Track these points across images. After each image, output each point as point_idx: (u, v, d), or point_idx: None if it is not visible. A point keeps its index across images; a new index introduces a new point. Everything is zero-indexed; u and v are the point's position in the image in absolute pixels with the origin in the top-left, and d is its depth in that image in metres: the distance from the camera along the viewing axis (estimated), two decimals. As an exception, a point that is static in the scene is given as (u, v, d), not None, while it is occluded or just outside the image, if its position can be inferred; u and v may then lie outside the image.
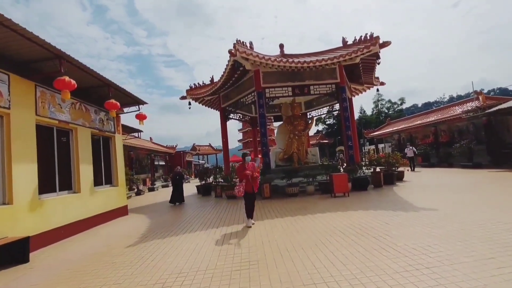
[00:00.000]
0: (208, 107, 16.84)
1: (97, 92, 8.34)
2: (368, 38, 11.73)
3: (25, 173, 5.66)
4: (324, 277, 3.18)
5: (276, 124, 20.91)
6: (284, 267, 3.57)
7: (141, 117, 9.08)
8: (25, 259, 4.92)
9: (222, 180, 13.95)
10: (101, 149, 8.81)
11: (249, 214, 6.22)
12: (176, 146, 32.66)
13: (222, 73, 12.11)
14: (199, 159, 47.80)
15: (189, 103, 15.22)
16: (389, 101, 55.21)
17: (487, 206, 5.97)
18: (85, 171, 7.57)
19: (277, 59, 11.37)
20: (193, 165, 40.65)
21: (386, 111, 54.27)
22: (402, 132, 25.70)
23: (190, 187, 17.12)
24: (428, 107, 68.27)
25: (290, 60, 11.44)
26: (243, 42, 11.32)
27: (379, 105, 55.31)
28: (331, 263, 3.56)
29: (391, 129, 28.13)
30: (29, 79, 6.13)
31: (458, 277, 2.85)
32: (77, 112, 7.54)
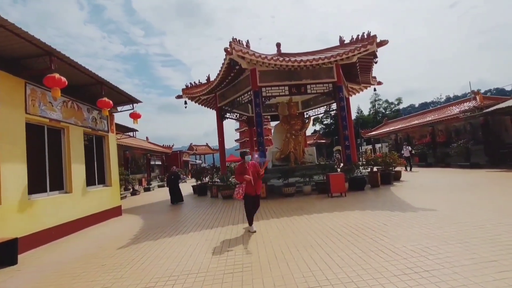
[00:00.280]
0: (205, 106, 16.69)
1: (90, 90, 8.18)
2: (365, 37, 11.64)
3: (14, 172, 5.49)
4: (320, 281, 3.06)
5: (273, 123, 20.79)
6: (279, 270, 3.45)
7: (135, 116, 8.92)
8: (13, 261, 4.77)
9: (218, 180, 13.84)
10: (94, 148, 8.64)
11: (252, 221, 5.57)
12: (172, 146, 32.47)
13: (218, 72, 11.97)
14: (196, 159, 47.58)
15: (185, 102, 15.05)
16: (386, 101, 55.32)
17: (486, 206, 5.89)
18: (77, 170, 7.40)
19: (274, 58, 11.26)
20: (190, 165, 40.43)
21: (383, 111, 54.36)
22: (399, 132, 25.70)
23: (186, 187, 16.95)
24: (424, 107, 68.57)
25: (287, 59, 11.32)
26: (239, 40, 11.19)
27: (376, 105, 55.39)
28: (327, 266, 3.44)
29: (388, 129, 28.13)
30: (18, 76, 5.96)
31: (458, 281, 2.74)
32: (69, 110, 7.36)
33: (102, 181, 8.91)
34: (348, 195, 9.04)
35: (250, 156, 5.85)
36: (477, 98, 17.61)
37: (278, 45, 15.17)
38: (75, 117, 7.55)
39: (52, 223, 6.36)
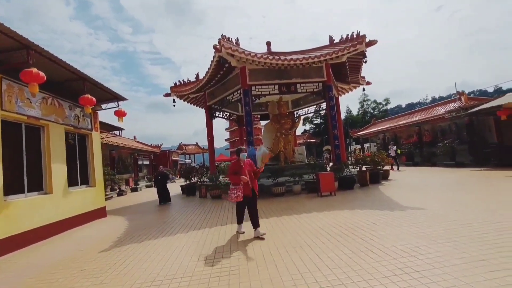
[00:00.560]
0: (194, 105, 16.43)
1: (72, 86, 7.84)
2: (355, 36, 11.69)
3: (-14, 173, 5.17)
4: (309, 283, 2.96)
5: (263, 122, 20.72)
6: (267, 273, 3.33)
7: (120, 114, 8.61)
8: (-14, 267, 4.48)
9: (207, 180, 13.63)
10: (77, 147, 8.29)
11: (242, 220, 5.27)
12: (161, 145, 31.95)
13: (207, 70, 11.75)
14: (185, 159, 47.01)
15: (174, 101, 14.76)
16: (375, 101, 56.32)
17: (472, 205, 5.95)
18: (57, 170, 7.07)
19: (264, 56, 11.15)
20: (179, 164, 39.89)
21: (372, 111, 55.27)
22: (387, 131, 26.10)
23: (174, 187, 16.65)
24: (411, 108, 70.04)
25: (277, 57, 11.23)
26: (228, 38, 11.03)
27: (365, 105, 56.29)
28: (316, 267, 3.35)
29: (376, 129, 28.54)
30: (-7, 70, 5.63)
31: (449, 281, 2.69)
32: (49, 107, 7.02)
33: (85, 181, 8.57)
34: (337, 194, 9.02)
35: (245, 153, 5.25)
36: (462, 98, 18.05)
37: (268, 43, 15.04)
38: (56, 114, 7.21)
39: (31, 226, 6.04)
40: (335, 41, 12.90)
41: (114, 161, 20.70)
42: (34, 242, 6.02)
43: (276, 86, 11.74)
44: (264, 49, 14.16)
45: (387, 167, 13.12)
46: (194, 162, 47.78)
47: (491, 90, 59.36)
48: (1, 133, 5.59)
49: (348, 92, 16.83)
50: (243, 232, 5.21)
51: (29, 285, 3.73)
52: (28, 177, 6.36)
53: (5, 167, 5.63)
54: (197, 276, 3.42)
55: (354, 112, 58.78)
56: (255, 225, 4.99)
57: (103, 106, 9.42)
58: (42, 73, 5.50)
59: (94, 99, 7.14)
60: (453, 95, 21.67)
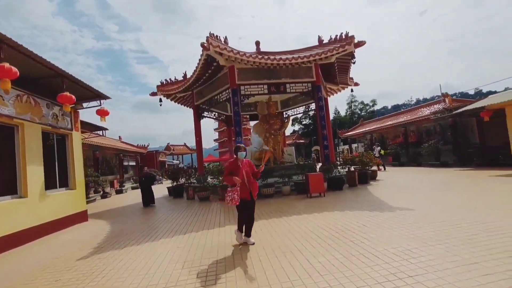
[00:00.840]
0: (181, 104, 16.07)
1: (50, 83, 7.43)
2: (344, 37, 11.71)
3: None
4: (300, 292, 2.81)
5: (252, 123, 20.56)
6: (255, 281, 3.15)
7: (102, 113, 8.24)
8: None
9: (195, 181, 13.33)
10: (55, 148, 7.85)
11: (243, 228, 4.61)
12: (148, 145, 31.24)
13: (195, 69, 11.48)
14: (173, 159, 46.23)
15: (160, 100, 14.37)
16: (362, 102, 57.24)
17: (459, 205, 5.99)
18: (33, 172, 6.64)
19: (253, 56, 10.97)
20: (166, 165, 39.15)
21: (359, 112, 56.15)
22: (374, 132, 26.49)
23: (161, 189, 16.24)
24: (397, 109, 71.57)
25: (266, 57, 11.09)
26: (217, 36, 10.79)
27: (353, 106, 57.10)
28: (307, 274, 3.20)
29: (364, 130, 28.92)
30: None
31: (444, 287, 2.60)
32: (24, 105, 6.60)
33: (65, 183, 8.13)
34: (327, 195, 8.97)
35: (244, 152, 4.73)
36: (446, 100, 18.47)
37: (257, 43, 14.89)
38: (32, 113, 6.78)
39: (3, 232, 5.63)
40: (324, 42, 12.90)
41: (98, 162, 20.02)
42: (6, 249, 5.61)
43: (265, 86, 11.60)
44: (253, 49, 14.01)
45: (374, 168, 13.22)
46: (182, 163, 47.05)
47: (472, 92, 61.45)
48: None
49: (336, 93, 16.90)
50: (252, 244, 4.48)
51: (-4, 298, 3.42)
52: (0, 180, 5.94)
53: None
54: (181, 286, 3.21)
55: (342, 113, 59.60)
56: (248, 234, 4.60)
57: (85, 105, 9.00)
58: (15, 69, 5.14)
59: (73, 97, 6.77)
60: (437, 97, 22.24)
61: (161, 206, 10.34)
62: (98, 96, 8.50)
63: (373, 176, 12.53)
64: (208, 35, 10.10)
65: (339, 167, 12.01)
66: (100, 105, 8.66)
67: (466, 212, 5.27)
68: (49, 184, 7.36)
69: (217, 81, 12.41)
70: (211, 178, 13.96)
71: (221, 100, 12.58)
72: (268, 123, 13.33)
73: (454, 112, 15.23)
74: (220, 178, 11.11)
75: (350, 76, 14.96)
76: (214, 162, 32.78)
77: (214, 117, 17.40)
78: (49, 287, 3.60)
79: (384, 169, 17.79)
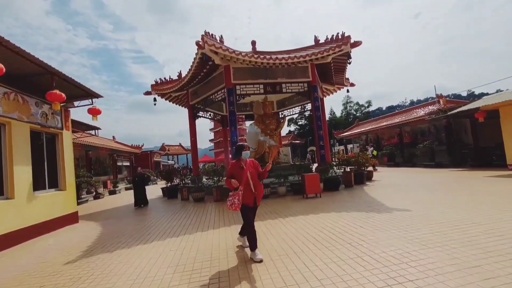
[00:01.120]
0: (176, 104, 15.86)
1: (40, 81, 7.22)
2: (340, 37, 11.67)
3: None
4: (297, 298, 2.69)
5: (248, 123, 20.43)
6: (250, 286, 3.03)
7: (94, 112, 8.04)
8: None
9: (189, 182, 13.15)
10: (45, 147, 7.61)
11: (254, 244, 3.90)
12: (142, 145, 30.88)
13: (190, 67, 11.30)
14: (168, 160, 45.83)
15: (154, 99, 14.16)
16: (357, 103, 57.54)
17: (456, 205, 5.93)
18: (21, 173, 6.41)
19: (248, 55, 10.84)
20: (161, 165, 38.78)
21: (355, 113, 56.42)
22: (370, 133, 26.57)
23: (155, 190, 16.01)
24: (391, 110, 72.15)
25: (262, 56, 10.98)
26: (212, 34, 10.65)
27: (348, 107, 57.36)
28: (303, 278, 3.08)
29: (359, 130, 29.00)
30: None
31: (446, 292, 2.51)
32: (12, 103, 6.37)
33: (55, 184, 7.90)
34: (323, 195, 8.88)
35: (248, 151, 4.26)
36: (441, 101, 18.59)
37: (254, 42, 14.79)
38: (20, 111, 6.55)
39: (-13, 235, 5.42)
40: (320, 42, 12.84)
41: (91, 162, 19.68)
42: (-9, 253, 5.40)
43: (261, 86, 11.49)
44: (249, 49, 13.88)
45: (370, 168, 13.19)
46: (178, 163, 46.69)
47: (464, 94, 62.21)
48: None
49: (332, 93, 16.86)
50: (260, 261, 3.72)
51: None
52: (-15, 181, 5.72)
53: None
54: (172, 292, 3.06)
55: (338, 113, 59.86)
56: (243, 233, 4.24)
57: (76, 103, 8.78)
58: (0, 65, 4.93)
59: (63, 95, 6.57)
60: (430, 99, 22.39)
61: (154, 207, 10.14)
62: (89, 94, 8.29)
63: (369, 177, 12.49)
64: (203, 34, 9.94)
65: (335, 167, 11.94)
66: (92, 104, 8.46)
67: (464, 213, 5.21)
68: (38, 185, 7.14)
69: (213, 81, 12.25)
70: (206, 179, 13.80)
71: (216, 99, 12.42)
72: (264, 123, 13.23)
73: (449, 113, 15.30)
74: (215, 178, 10.96)
75: (346, 76, 14.93)
76: (209, 163, 32.57)
77: (209, 117, 17.24)
78: (33, 293, 3.42)
79: (375, 169, 17.78)
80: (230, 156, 13.20)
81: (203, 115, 16.23)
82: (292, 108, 17.12)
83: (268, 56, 11.08)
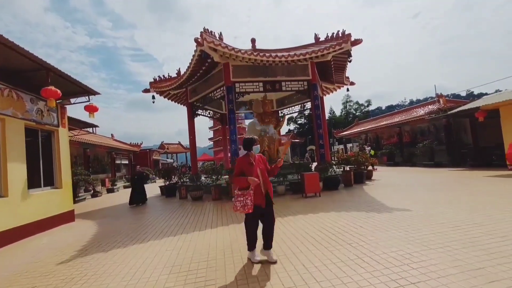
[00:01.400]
0: (175, 102, 15.74)
1: (36, 77, 7.09)
2: (340, 35, 11.57)
3: None
4: (295, 301, 2.60)
5: (247, 121, 20.31)
6: (247, 288, 2.94)
7: (91, 109, 7.93)
8: None
9: (188, 180, 13.06)
10: (40, 145, 7.50)
11: (255, 244, 3.71)
12: (141, 144, 30.76)
13: (189, 65, 11.19)
14: (167, 158, 45.70)
15: (153, 97, 14.02)
16: (357, 102, 57.45)
17: (456, 205, 5.86)
18: (15, 170, 6.31)
19: (248, 52, 10.73)
20: (160, 164, 38.65)
21: (354, 112, 56.34)
22: (369, 132, 26.49)
23: (153, 188, 15.92)
24: (391, 110, 72.13)
25: (261, 54, 10.87)
26: (211, 31, 10.53)
27: (348, 106, 57.27)
28: (303, 281, 2.99)
29: (359, 129, 28.92)
30: None
31: (450, 296, 2.42)
32: (6, 99, 6.25)
33: (50, 182, 7.79)
34: (322, 195, 8.79)
35: (258, 146, 3.90)
36: (441, 101, 18.51)
37: (253, 40, 14.68)
38: (14, 107, 6.44)
39: (-20, 234, 5.32)
40: (320, 40, 12.73)
41: (88, 160, 19.54)
42: (-16, 252, 5.29)
43: (261, 84, 11.38)
44: (249, 47, 13.77)
45: (370, 167, 13.11)
46: (177, 162, 46.57)
47: (463, 94, 62.21)
48: None
49: (332, 92, 16.76)
50: (259, 262, 3.59)
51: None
52: (-22, 178, 5.61)
53: None
54: (166, 294, 2.97)
55: (337, 113, 59.74)
56: (268, 245, 3.67)
57: (72, 100, 8.67)
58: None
59: (58, 91, 6.45)
60: (430, 98, 22.33)
61: (152, 206, 10.05)
62: (86, 91, 8.17)
63: (368, 176, 12.43)
64: (202, 30, 9.82)
65: (334, 166, 11.87)
66: (89, 101, 8.34)
67: (465, 214, 5.13)
68: (33, 183, 7.03)
69: (212, 78, 12.15)
70: (204, 177, 13.71)
71: (215, 97, 12.32)
72: (264, 121, 13.12)
73: (449, 112, 15.21)
74: (214, 177, 10.87)
75: (346, 75, 14.83)
76: (208, 161, 32.46)
77: (208, 115, 17.13)
78: (24, 294, 3.33)
79: (375, 169, 17.71)
80: (229, 154, 13.11)
81: (202, 113, 16.12)
82: (291, 106, 17.02)
83: (267, 54, 10.97)
